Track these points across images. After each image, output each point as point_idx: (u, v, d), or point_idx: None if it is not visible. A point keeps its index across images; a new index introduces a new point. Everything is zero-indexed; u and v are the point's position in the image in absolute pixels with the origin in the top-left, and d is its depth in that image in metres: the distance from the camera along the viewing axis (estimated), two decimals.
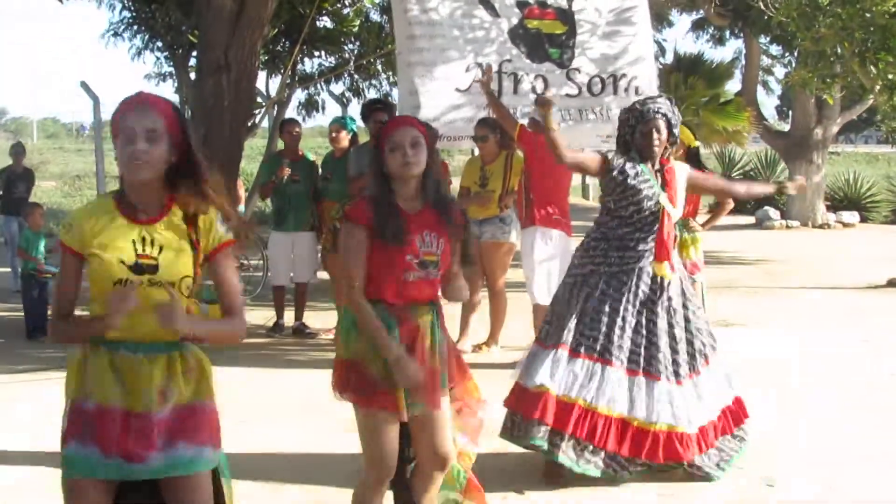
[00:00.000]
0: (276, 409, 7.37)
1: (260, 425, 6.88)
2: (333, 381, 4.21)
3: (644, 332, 5.66)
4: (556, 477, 5.63)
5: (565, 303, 5.82)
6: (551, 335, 5.78)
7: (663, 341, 5.66)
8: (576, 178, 28.57)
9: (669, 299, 5.73)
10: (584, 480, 5.53)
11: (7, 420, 7.04)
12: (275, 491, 5.55)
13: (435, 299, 4.30)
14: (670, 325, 5.71)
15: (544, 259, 8.57)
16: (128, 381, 3.33)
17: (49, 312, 9.86)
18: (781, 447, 6.21)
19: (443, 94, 9.54)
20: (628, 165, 5.76)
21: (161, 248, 3.37)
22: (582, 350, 5.60)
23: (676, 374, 5.66)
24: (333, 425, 6.32)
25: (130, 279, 3.31)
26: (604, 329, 5.61)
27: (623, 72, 9.88)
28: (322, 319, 10.53)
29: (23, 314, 10.23)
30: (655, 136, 5.72)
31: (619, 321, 5.62)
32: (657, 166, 5.82)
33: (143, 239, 3.36)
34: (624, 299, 5.66)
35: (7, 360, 9.00)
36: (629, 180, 5.72)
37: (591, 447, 5.50)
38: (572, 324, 5.66)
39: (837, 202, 24.23)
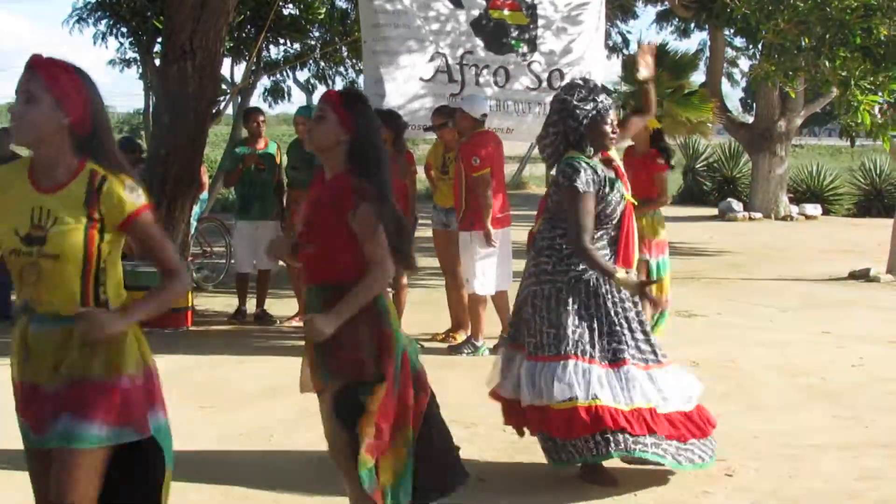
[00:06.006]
0: (239, 394, 7.36)
1: (222, 411, 6.88)
2: None
3: (636, 325, 5.44)
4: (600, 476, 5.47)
5: (554, 311, 5.37)
6: (550, 346, 5.34)
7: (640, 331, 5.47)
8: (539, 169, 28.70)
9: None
10: (588, 488, 5.45)
11: None
12: (236, 476, 5.51)
13: (321, 283, 4.04)
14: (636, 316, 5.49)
15: (479, 255, 8.63)
16: (31, 354, 3.30)
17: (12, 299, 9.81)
18: (741, 437, 6.25)
19: (407, 83, 9.56)
20: (588, 163, 5.41)
21: (55, 220, 3.23)
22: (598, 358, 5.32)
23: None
24: (296, 411, 6.32)
25: (22, 249, 3.25)
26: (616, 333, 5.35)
27: (564, 70, 9.94)
28: (283, 307, 10.51)
29: None
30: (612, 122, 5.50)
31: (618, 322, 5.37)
32: (600, 157, 5.55)
33: (41, 209, 3.25)
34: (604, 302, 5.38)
35: None
36: (601, 177, 5.41)
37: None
38: (582, 335, 5.32)
39: (800, 194, 24.40)
